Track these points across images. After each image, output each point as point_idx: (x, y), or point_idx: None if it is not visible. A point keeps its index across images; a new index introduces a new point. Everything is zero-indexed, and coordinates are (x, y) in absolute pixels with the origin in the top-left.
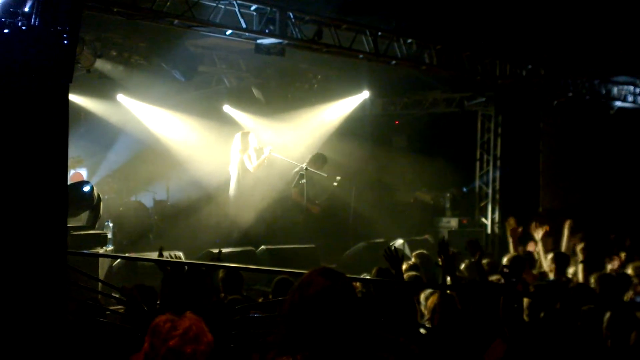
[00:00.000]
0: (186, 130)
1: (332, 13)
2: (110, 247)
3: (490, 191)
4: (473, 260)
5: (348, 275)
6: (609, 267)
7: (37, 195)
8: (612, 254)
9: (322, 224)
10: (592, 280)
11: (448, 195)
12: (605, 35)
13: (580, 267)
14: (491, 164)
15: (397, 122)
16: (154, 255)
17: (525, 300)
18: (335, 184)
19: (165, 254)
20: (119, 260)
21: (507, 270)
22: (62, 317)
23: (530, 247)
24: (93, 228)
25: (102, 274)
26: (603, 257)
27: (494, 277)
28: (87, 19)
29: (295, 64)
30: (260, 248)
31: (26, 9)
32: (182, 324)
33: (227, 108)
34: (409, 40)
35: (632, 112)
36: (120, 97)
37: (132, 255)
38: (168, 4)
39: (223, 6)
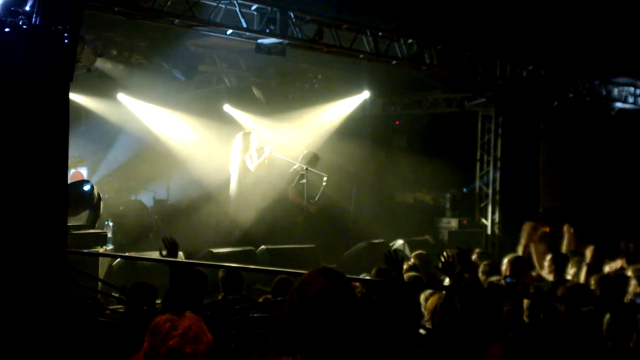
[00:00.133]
0: (186, 130)
1: (333, 13)
2: (110, 246)
3: (490, 192)
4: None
5: (348, 276)
6: (607, 268)
7: (37, 194)
8: (614, 257)
9: (322, 224)
10: (592, 281)
11: (448, 195)
12: (606, 36)
13: (584, 268)
14: (491, 164)
15: (397, 123)
16: (154, 254)
17: (526, 302)
18: (324, 183)
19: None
20: (119, 259)
21: (444, 260)
22: (62, 316)
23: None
24: (93, 227)
25: (102, 273)
26: (606, 259)
27: (493, 278)
28: (87, 18)
29: (296, 64)
30: (260, 248)
31: (27, 8)
32: (181, 323)
33: (227, 108)
34: (410, 41)
35: (633, 113)
36: (121, 96)
37: (132, 254)
38: (169, 3)
39: (224, 6)
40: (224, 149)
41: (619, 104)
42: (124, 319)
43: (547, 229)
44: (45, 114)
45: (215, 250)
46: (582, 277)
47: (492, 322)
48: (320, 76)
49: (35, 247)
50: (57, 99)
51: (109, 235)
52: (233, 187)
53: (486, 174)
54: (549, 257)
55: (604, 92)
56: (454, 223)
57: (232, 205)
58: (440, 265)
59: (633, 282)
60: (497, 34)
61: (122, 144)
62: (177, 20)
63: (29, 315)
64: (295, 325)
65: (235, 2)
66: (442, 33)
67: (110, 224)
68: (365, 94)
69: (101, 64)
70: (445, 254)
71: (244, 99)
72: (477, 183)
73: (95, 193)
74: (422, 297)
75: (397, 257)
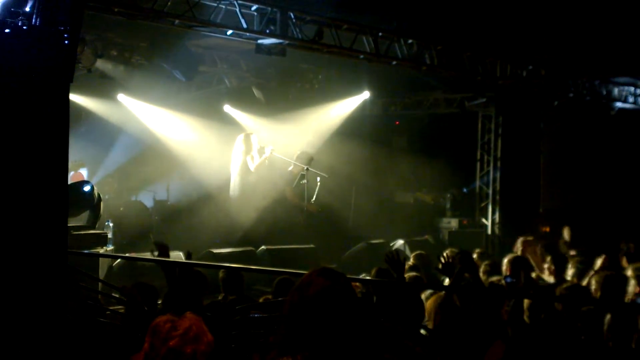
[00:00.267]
0: (187, 130)
1: (333, 13)
2: (110, 247)
3: (490, 192)
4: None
5: (348, 276)
6: (599, 262)
7: (37, 195)
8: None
9: (322, 224)
10: (593, 281)
11: (448, 195)
12: (606, 36)
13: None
14: (492, 164)
15: (397, 123)
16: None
17: (526, 302)
18: (318, 183)
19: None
20: (119, 260)
21: (444, 261)
22: (62, 317)
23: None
24: (93, 228)
25: (102, 273)
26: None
27: (494, 278)
28: (88, 19)
29: (296, 64)
30: (260, 248)
31: (27, 9)
32: (182, 324)
33: (227, 108)
34: (410, 41)
35: (633, 113)
36: (121, 96)
37: (132, 255)
38: (169, 4)
39: (224, 6)
40: (224, 149)
41: (619, 104)
42: (124, 319)
43: (547, 229)
44: (45, 114)
45: (216, 251)
46: (584, 281)
47: (492, 322)
48: (320, 76)
49: (36, 247)
50: (57, 99)
51: (109, 235)
52: (234, 187)
53: (486, 174)
54: (549, 258)
55: (604, 92)
56: (454, 223)
57: (233, 206)
58: (440, 266)
59: (632, 282)
60: (497, 34)
61: (122, 145)
62: (177, 21)
63: (30, 316)
64: (295, 326)
65: (235, 2)
66: (442, 33)
67: (111, 224)
68: (366, 94)
69: (101, 64)
70: (445, 254)
71: (244, 100)
72: (478, 183)
73: (96, 194)
74: (422, 297)
75: (399, 258)
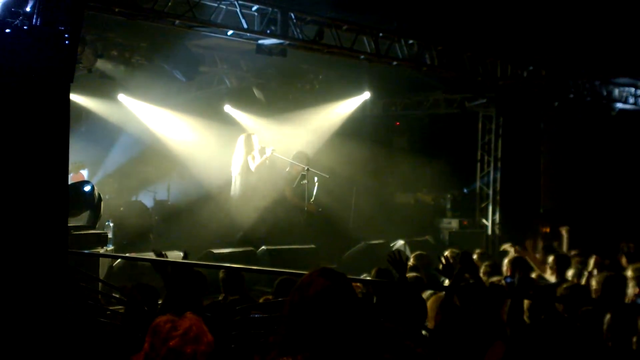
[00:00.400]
0: (187, 131)
1: (333, 14)
2: (110, 247)
3: (491, 192)
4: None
5: (348, 276)
6: (591, 262)
7: (37, 195)
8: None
9: (323, 224)
10: (593, 282)
11: (449, 196)
12: (606, 37)
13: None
14: (492, 165)
15: (397, 123)
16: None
17: (526, 302)
18: (316, 183)
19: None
20: (119, 260)
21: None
22: (62, 317)
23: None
24: (93, 228)
25: (102, 273)
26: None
27: (495, 279)
28: (88, 19)
29: (296, 65)
30: (261, 248)
31: (28, 9)
32: (182, 324)
33: (228, 108)
34: (410, 41)
35: (633, 113)
36: (121, 97)
37: (133, 255)
38: (169, 4)
39: (224, 6)
40: (224, 149)
41: (619, 105)
42: (124, 319)
43: (547, 229)
44: (45, 114)
45: (216, 251)
46: (582, 282)
47: (492, 322)
48: (320, 77)
49: (36, 247)
50: (57, 99)
51: (110, 235)
52: (235, 188)
53: (487, 175)
54: (551, 258)
55: (605, 93)
56: (454, 223)
57: (233, 206)
58: (440, 267)
59: (632, 283)
60: (498, 34)
61: (122, 145)
62: (177, 21)
63: (30, 316)
64: (295, 326)
65: (236, 2)
66: (442, 33)
67: (111, 224)
68: (366, 95)
69: (102, 64)
70: (445, 255)
71: (244, 100)
72: (478, 183)
73: (96, 194)
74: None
75: (401, 259)
